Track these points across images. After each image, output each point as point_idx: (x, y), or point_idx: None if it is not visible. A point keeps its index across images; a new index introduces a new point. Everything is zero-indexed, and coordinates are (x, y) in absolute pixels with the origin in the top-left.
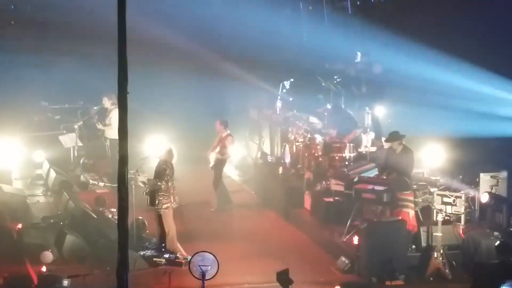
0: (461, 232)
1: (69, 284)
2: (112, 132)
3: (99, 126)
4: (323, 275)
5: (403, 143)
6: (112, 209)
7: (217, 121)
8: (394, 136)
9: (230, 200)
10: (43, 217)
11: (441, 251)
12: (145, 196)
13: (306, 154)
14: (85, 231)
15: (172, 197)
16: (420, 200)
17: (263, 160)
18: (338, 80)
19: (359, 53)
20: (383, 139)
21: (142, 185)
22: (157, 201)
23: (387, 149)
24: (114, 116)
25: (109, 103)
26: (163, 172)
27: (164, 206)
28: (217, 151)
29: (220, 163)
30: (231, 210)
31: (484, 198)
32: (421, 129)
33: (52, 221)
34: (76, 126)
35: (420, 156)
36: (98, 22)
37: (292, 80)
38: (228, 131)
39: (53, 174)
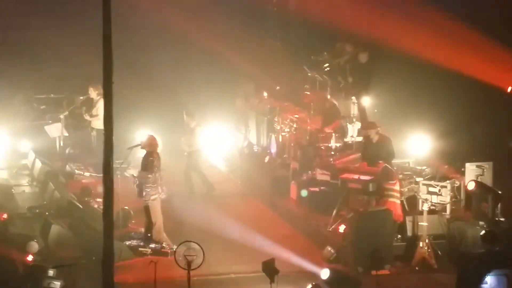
0: (446, 221)
1: (55, 274)
2: (99, 122)
3: (87, 117)
4: (309, 265)
5: (380, 132)
6: (98, 199)
7: (183, 112)
8: (370, 124)
9: (212, 187)
10: (29, 207)
11: (427, 241)
12: (135, 188)
13: (292, 144)
14: (70, 221)
15: (160, 188)
16: (406, 189)
17: (249, 150)
18: (324, 70)
19: (345, 43)
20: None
21: (132, 177)
22: (144, 193)
23: (364, 138)
24: (101, 107)
25: (95, 94)
26: (150, 163)
27: (152, 197)
28: (185, 143)
29: (192, 156)
30: (211, 195)
31: (471, 186)
32: (407, 118)
33: (37, 211)
34: (61, 116)
35: (406, 146)
36: (83, 11)
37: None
38: (196, 122)
39: (38, 164)
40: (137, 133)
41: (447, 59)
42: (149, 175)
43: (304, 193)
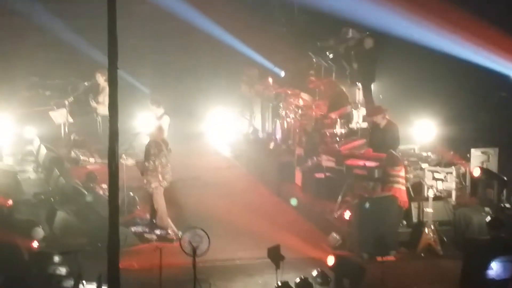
0: (452, 208)
1: (60, 260)
2: (105, 108)
3: (93, 104)
4: (314, 251)
5: (387, 117)
6: (103, 185)
7: (148, 100)
8: (376, 110)
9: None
10: (34, 193)
11: (432, 227)
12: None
13: (297, 130)
14: (76, 207)
15: (160, 175)
16: (411, 176)
17: (254, 136)
18: (329, 56)
19: (350, 29)
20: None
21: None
22: (145, 181)
23: (371, 124)
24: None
25: (102, 79)
26: (159, 150)
27: (153, 185)
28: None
29: None
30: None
31: (476, 172)
32: (412, 104)
33: (43, 197)
34: (66, 102)
35: (411, 132)
36: None
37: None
38: (163, 110)
39: (43, 150)
40: (141, 119)
41: (452, 45)
42: (157, 162)
43: (293, 201)
